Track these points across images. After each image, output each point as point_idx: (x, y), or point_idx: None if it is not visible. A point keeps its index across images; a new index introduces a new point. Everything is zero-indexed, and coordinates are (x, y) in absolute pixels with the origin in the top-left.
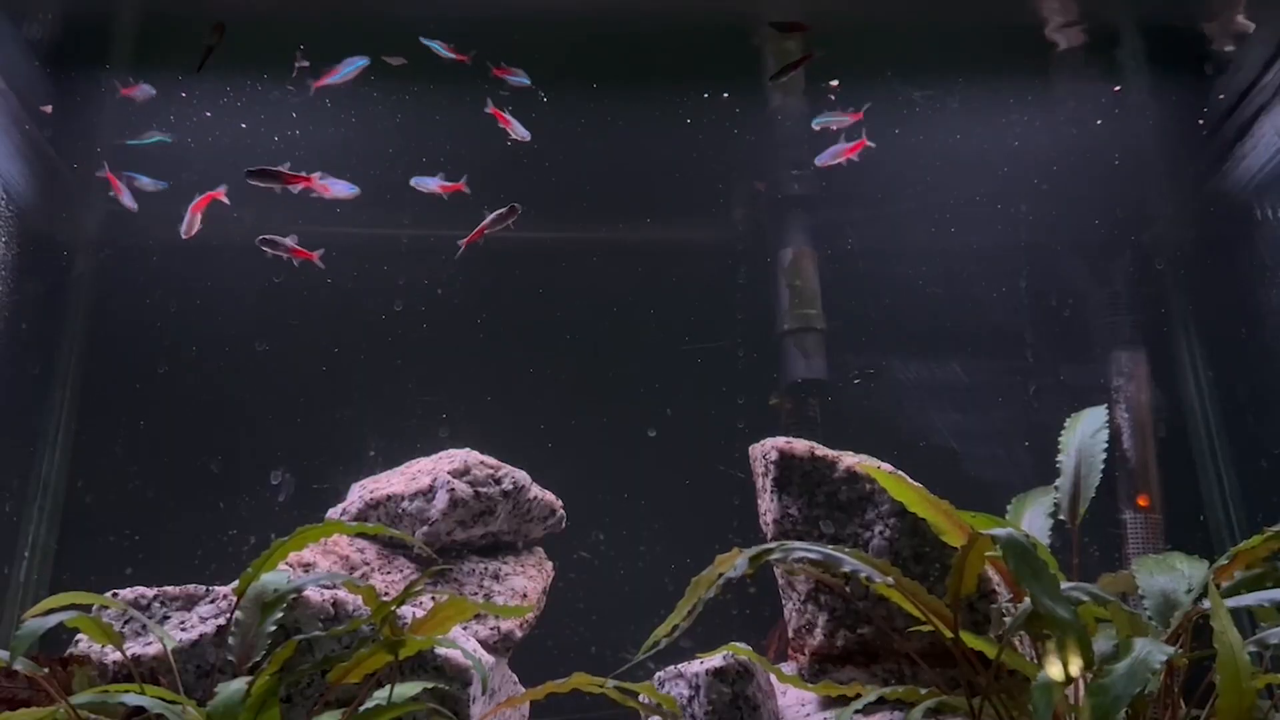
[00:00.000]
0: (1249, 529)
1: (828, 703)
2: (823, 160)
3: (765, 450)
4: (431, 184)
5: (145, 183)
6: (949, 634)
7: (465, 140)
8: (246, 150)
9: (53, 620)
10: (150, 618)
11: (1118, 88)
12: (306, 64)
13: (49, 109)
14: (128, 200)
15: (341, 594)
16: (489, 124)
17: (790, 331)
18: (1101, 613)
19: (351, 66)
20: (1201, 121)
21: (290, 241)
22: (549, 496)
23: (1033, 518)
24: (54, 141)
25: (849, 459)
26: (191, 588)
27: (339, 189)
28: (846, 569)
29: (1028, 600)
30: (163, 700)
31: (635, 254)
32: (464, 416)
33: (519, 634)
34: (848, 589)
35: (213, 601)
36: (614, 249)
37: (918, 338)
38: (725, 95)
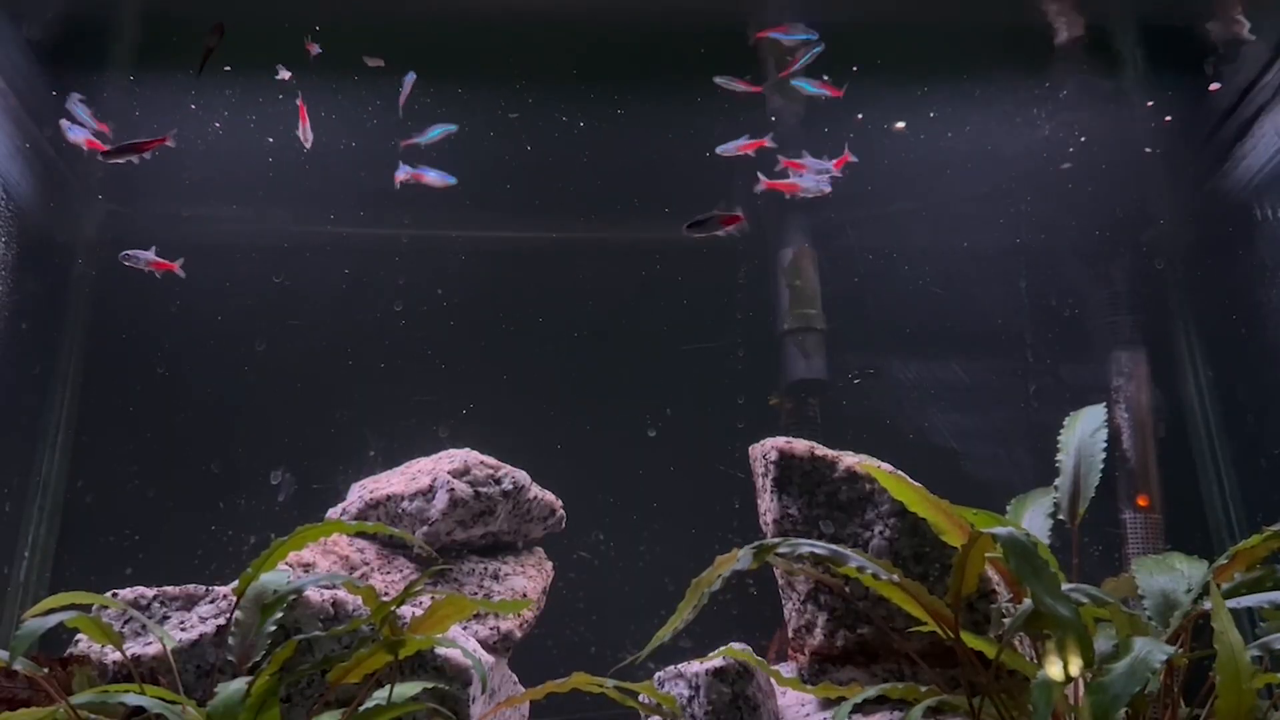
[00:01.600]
0: (1249, 529)
1: (828, 702)
2: (724, 150)
3: (765, 450)
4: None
5: (434, 176)
6: (950, 634)
7: (466, 139)
8: (247, 151)
9: (53, 620)
10: (150, 618)
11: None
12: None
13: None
14: (434, 177)
15: (341, 594)
16: (490, 124)
17: (790, 331)
18: (1102, 614)
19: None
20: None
21: (150, 254)
22: (549, 496)
23: (1033, 518)
24: (54, 141)
25: (849, 459)
26: (191, 588)
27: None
28: (852, 566)
29: (1028, 600)
30: (163, 700)
31: (635, 254)
32: (464, 416)
33: (519, 634)
34: (847, 589)
35: (213, 601)
36: (614, 249)
37: (918, 338)
38: (725, 94)
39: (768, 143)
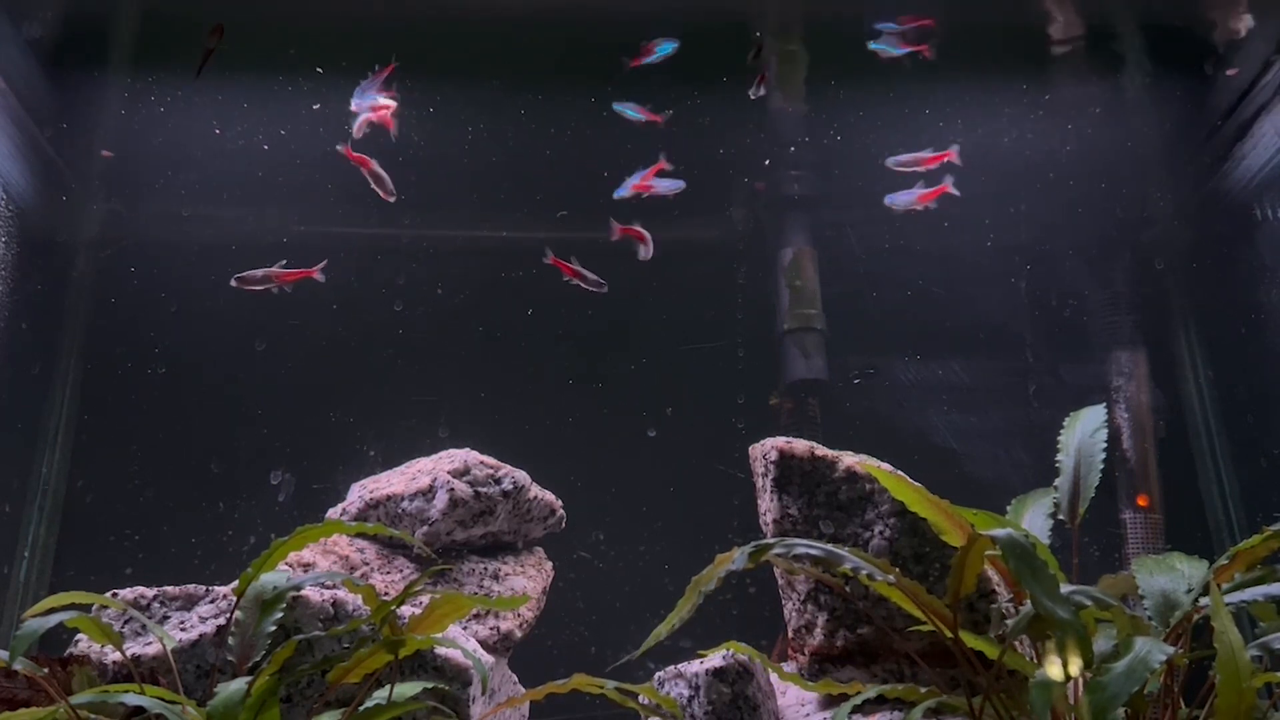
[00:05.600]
0: (1249, 529)
1: (828, 702)
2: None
3: (765, 450)
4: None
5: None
6: (949, 634)
7: (467, 140)
8: (247, 151)
9: (53, 620)
10: (150, 618)
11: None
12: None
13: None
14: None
15: (341, 594)
16: (491, 123)
17: (790, 331)
18: (1103, 614)
19: (665, 48)
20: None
21: (275, 269)
22: (549, 496)
23: (1033, 518)
24: (54, 141)
25: (849, 459)
26: (191, 588)
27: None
28: (848, 566)
29: (1029, 601)
30: (162, 700)
31: (635, 254)
32: (464, 416)
33: (519, 634)
34: (847, 589)
35: (213, 601)
36: (614, 249)
37: (918, 338)
38: (725, 94)
39: (953, 156)
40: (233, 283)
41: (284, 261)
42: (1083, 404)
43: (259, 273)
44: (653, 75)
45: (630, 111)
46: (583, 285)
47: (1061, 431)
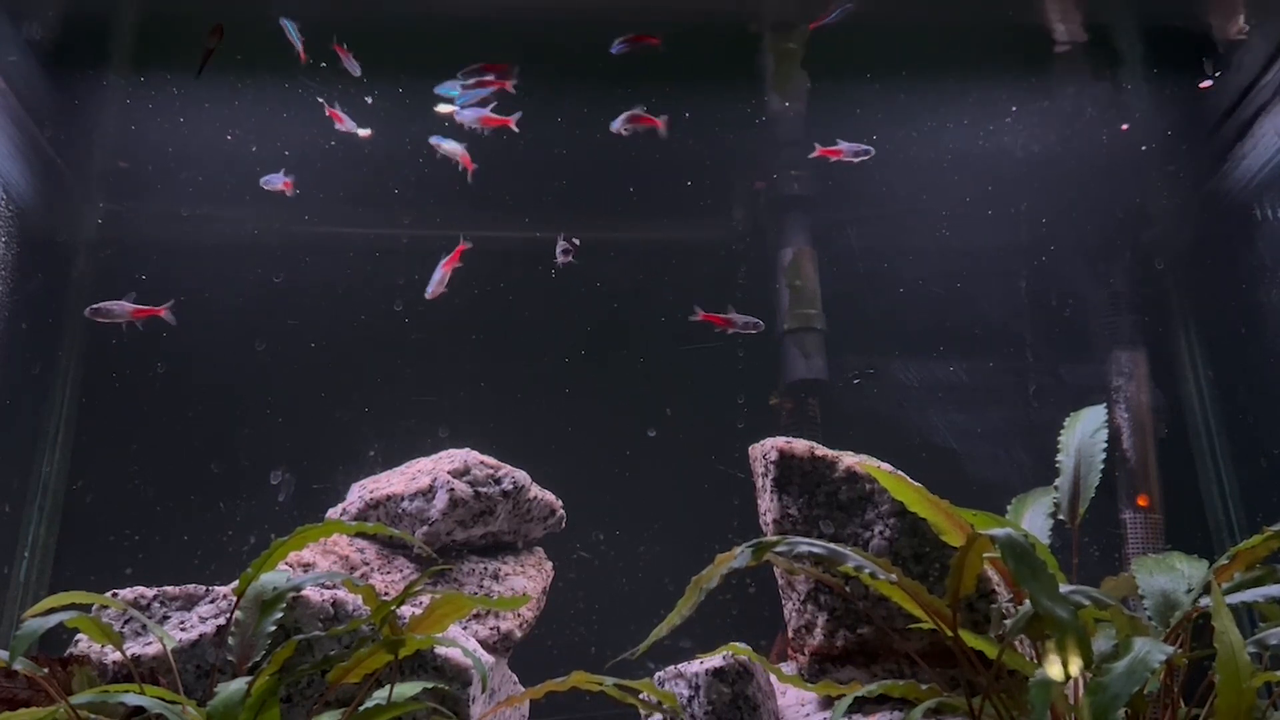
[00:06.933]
0: (1249, 529)
1: (828, 702)
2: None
3: (765, 450)
4: (277, 181)
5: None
6: (949, 633)
7: (467, 139)
8: (247, 151)
9: (53, 620)
10: (150, 618)
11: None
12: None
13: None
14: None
15: (341, 594)
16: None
17: (790, 331)
18: (1102, 615)
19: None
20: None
21: (127, 303)
22: (549, 496)
23: (1033, 518)
24: (54, 141)
25: (849, 459)
26: (191, 588)
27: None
28: (850, 565)
29: (1028, 601)
30: (163, 700)
31: (635, 254)
32: (464, 416)
33: (519, 634)
34: (848, 589)
35: (213, 601)
36: (614, 249)
37: (918, 338)
38: (725, 94)
39: (509, 87)
40: (86, 313)
41: (134, 295)
42: (1083, 404)
43: (114, 306)
44: (652, 76)
45: (292, 31)
46: (741, 332)
47: (1061, 431)
